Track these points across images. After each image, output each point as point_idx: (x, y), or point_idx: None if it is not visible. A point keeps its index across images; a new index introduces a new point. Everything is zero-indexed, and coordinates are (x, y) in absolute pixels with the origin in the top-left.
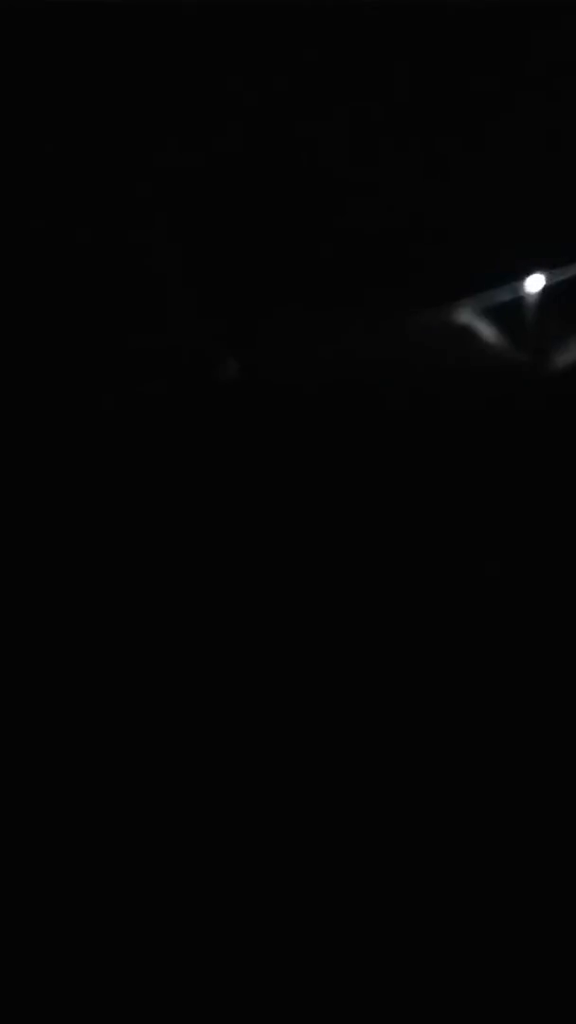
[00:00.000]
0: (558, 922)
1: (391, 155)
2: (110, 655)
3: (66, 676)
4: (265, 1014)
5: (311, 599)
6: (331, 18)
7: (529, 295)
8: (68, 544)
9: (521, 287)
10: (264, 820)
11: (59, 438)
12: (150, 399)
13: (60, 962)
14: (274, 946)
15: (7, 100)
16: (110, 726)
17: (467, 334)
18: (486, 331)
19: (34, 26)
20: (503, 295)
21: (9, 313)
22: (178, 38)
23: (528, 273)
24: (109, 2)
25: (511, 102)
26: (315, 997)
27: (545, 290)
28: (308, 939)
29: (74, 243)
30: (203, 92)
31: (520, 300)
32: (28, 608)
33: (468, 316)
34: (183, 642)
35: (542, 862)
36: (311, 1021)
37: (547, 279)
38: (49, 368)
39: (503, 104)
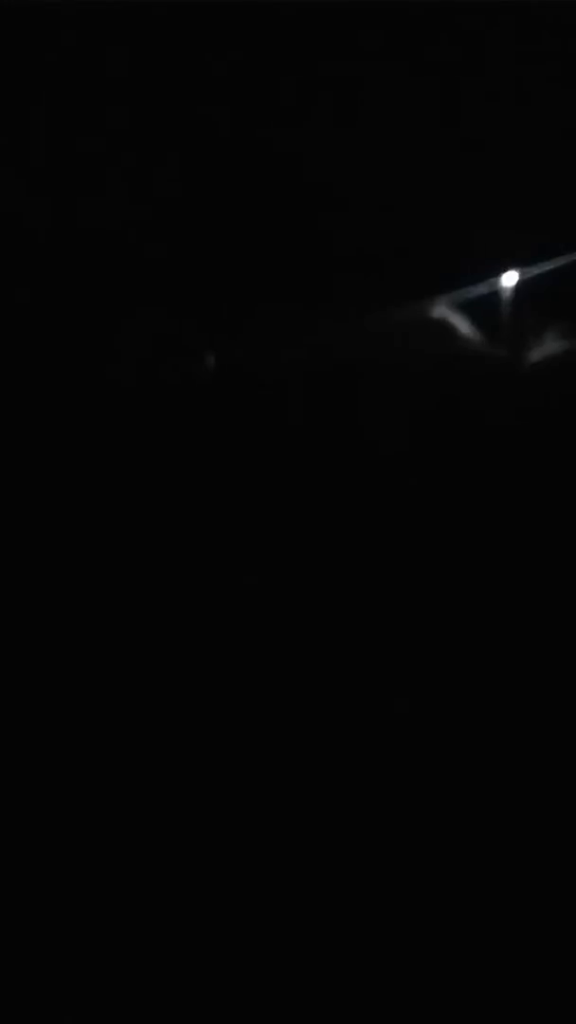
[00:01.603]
0: (558, 922)
1: (368, 153)
2: (104, 653)
3: (62, 671)
4: (265, 1014)
5: (293, 593)
6: (316, 11)
7: (504, 290)
8: (56, 537)
9: (496, 282)
10: (264, 818)
11: (42, 434)
12: (131, 394)
13: (60, 962)
14: (274, 945)
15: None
16: (110, 726)
17: (443, 329)
18: (462, 326)
19: (32, 26)
20: (478, 290)
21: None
22: (167, 36)
23: (503, 268)
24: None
25: (487, 99)
26: (315, 996)
27: (520, 285)
28: (308, 938)
29: (60, 239)
30: (187, 89)
31: (496, 295)
32: (24, 604)
33: (444, 311)
34: (179, 638)
35: (542, 861)
36: (311, 1021)
37: (522, 274)
38: (32, 364)
39: (479, 101)
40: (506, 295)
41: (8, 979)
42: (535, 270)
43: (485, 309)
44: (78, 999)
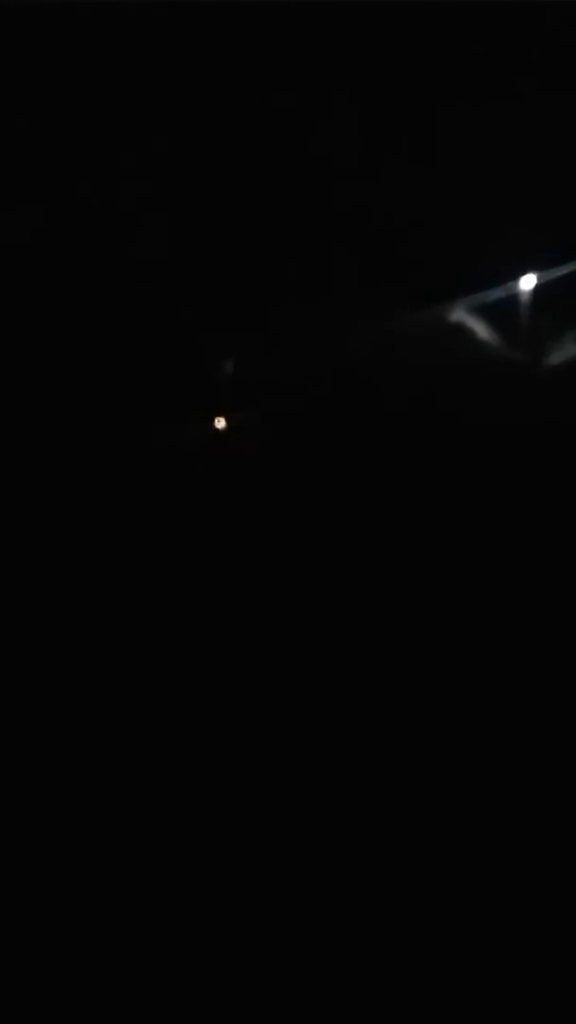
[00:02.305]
0: (558, 921)
1: (387, 156)
2: (111, 658)
3: (66, 674)
4: (265, 1014)
5: (310, 593)
6: (332, 17)
7: (523, 293)
8: (67, 542)
9: (515, 285)
10: (264, 818)
11: (59, 437)
12: (149, 397)
13: (60, 961)
14: (274, 945)
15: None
16: (110, 727)
17: (462, 332)
18: (480, 329)
19: (34, 26)
20: (497, 293)
21: (7, 316)
22: (176, 37)
23: (522, 272)
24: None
25: (509, 103)
26: (315, 996)
27: (538, 288)
28: (308, 938)
29: (71, 242)
30: (204, 94)
31: (514, 299)
32: (29, 608)
33: (463, 314)
34: (188, 641)
35: (542, 861)
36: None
37: (540, 278)
38: (47, 367)
39: (500, 106)
40: (524, 299)
41: (8, 979)
42: (554, 274)
43: (504, 312)
44: (78, 999)
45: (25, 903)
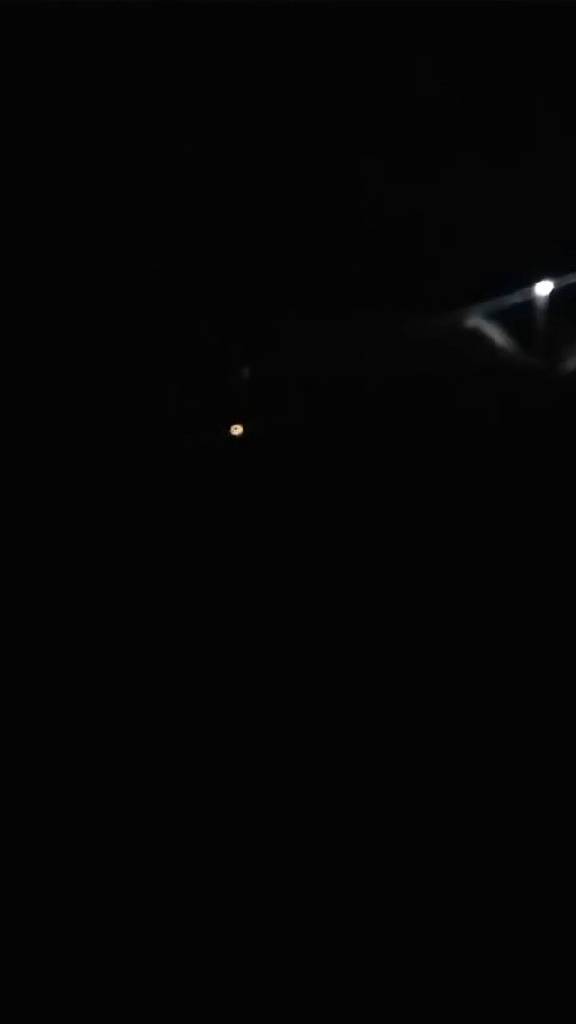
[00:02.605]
0: (558, 922)
1: (401, 163)
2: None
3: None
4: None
5: (327, 598)
6: (339, 19)
7: (539, 299)
8: (83, 548)
9: (530, 292)
10: (264, 819)
11: (70, 443)
12: (163, 405)
13: (60, 961)
14: (274, 945)
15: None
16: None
17: (476, 338)
18: (496, 335)
19: (36, 26)
20: (512, 300)
21: (18, 319)
22: (184, 39)
23: (537, 278)
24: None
25: (524, 109)
26: (315, 996)
27: (554, 294)
28: (308, 938)
29: (82, 248)
30: (212, 97)
31: (529, 304)
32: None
33: (479, 320)
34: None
35: (542, 861)
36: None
37: (556, 283)
38: (61, 372)
39: (515, 111)
40: (540, 304)
41: (8, 979)
42: (570, 279)
43: (520, 318)
44: (78, 999)
45: (25, 903)
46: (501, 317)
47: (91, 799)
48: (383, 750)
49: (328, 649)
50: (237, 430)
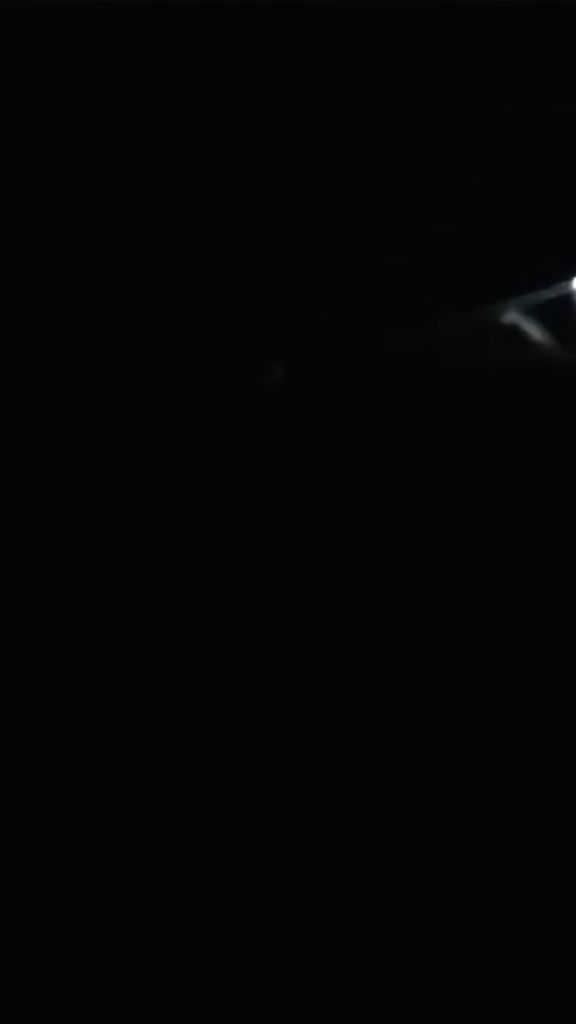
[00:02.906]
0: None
1: (437, 157)
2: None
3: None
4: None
5: (349, 601)
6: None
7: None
8: (92, 544)
9: (568, 286)
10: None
11: (100, 443)
12: (195, 403)
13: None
14: (274, 946)
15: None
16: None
17: (514, 334)
18: (533, 331)
19: (34, 26)
20: (550, 295)
21: (58, 315)
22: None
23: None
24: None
25: (561, 99)
26: (315, 997)
27: None
28: (308, 939)
29: (113, 241)
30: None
31: (568, 299)
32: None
33: (515, 316)
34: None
35: (542, 862)
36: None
37: None
38: (91, 370)
39: (551, 100)
40: None
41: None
42: None
43: (557, 314)
44: (78, 999)
45: (25, 902)
46: (539, 312)
47: (91, 799)
48: (383, 751)
49: (345, 648)
50: (263, 425)
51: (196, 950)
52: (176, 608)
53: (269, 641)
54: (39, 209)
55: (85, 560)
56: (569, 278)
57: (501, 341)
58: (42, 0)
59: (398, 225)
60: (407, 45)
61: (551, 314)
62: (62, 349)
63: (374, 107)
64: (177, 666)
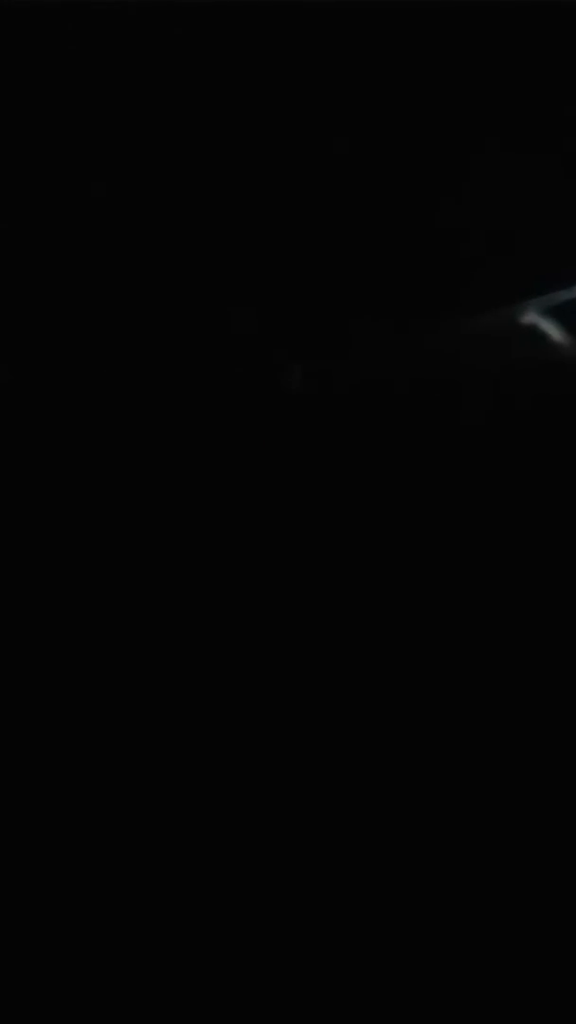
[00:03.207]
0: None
1: (455, 158)
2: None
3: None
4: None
5: (378, 602)
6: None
7: None
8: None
9: None
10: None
11: (119, 448)
12: (213, 408)
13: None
14: (274, 946)
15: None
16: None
17: (533, 335)
18: (553, 331)
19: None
20: (570, 295)
21: (69, 315)
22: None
23: None
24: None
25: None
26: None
27: None
28: (308, 940)
29: (123, 241)
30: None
31: None
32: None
33: (534, 317)
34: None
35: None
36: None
37: None
38: (108, 375)
39: (568, 101)
40: None
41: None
42: None
43: None
44: (78, 999)
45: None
46: (557, 313)
47: (91, 798)
48: (384, 752)
49: (360, 649)
50: (283, 424)
51: (196, 949)
52: (189, 609)
53: (282, 641)
54: (49, 209)
55: (97, 560)
56: None
57: (520, 342)
58: (42, 0)
59: (416, 226)
60: (413, 47)
61: (570, 314)
62: (75, 349)
63: (385, 107)
64: (187, 661)
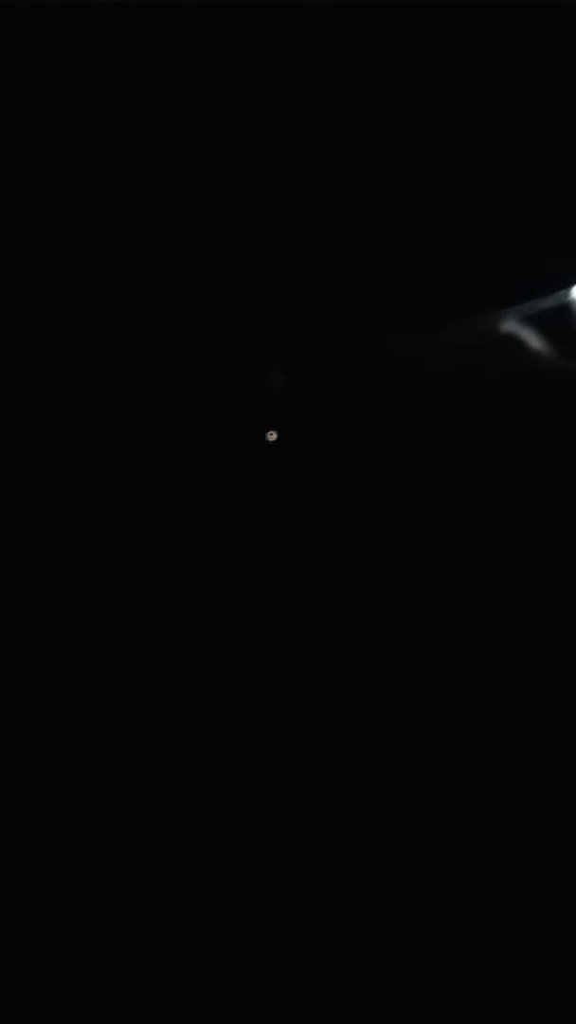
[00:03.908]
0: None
1: (438, 166)
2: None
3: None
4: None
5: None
6: (367, 19)
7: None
8: (102, 555)
9: (568, 295)
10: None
11: (105, 449)
12: (196, 411)
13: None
14: (274, 946)
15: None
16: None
17: (513, 343)
18: (532, 340)
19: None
20: (549, 303)
21: (62, 315)
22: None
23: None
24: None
25: (562, 108)
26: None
27: None
28: (308, 940)
29: (112, 245)
30: (243, 109)
31: (567, 308)
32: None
33: (514, 324)
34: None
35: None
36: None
37: None
38: (96, 378)
39: (553, 112)
40: None
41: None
42: None
43: (556, 322)
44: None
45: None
46: (537, 320)
47: (91, 798)
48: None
49: (351, 654)
50: (272, 436)
51: (195, 948)
52: (181, 614)
53: (274, 646)
54: (41, 213)
55: (90, 565)
56: (569, 286)
57: (500, 349)
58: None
59: (398, 231)
60: (404, 48)
61: (550, 322)
62: (61, 351)
63: (376, 112)
64: (187, 663)
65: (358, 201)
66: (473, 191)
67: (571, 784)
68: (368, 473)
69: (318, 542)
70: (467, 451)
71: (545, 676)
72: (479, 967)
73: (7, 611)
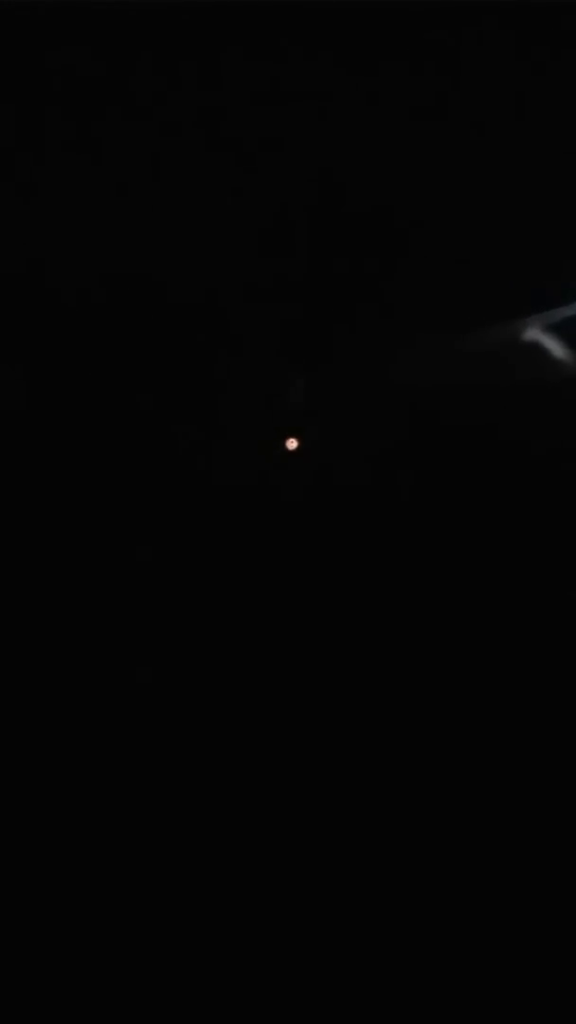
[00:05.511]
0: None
1: (457, 173)
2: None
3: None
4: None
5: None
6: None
7: None
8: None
9: None
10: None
11: (123, 459)
12: (218, 422)
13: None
14: (274, 946)
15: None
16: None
17: (536, 351)
18: (554, 347)
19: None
20: (571, 311)
21: (71, 326)
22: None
23: None
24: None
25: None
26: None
27: None
28: (308, 940)
29: (140, 258)
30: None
31: None
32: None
33: (536, 333)
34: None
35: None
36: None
37: None
38: (114, 386)
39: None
40: None
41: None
42: None
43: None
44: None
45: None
46: (559, 329)
47: (91, 799)
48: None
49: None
50: (292, 444)
51: (195, 947)
52: (196, 616)
53: (287, 652)
54: (39, 213)
55: (108, 569)
56: None
57: (521, 358)
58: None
59: (418, 242)
60: (404, 48)
61: (571, 331)
62: (77, 363)
63: (389, 120)
64: (186, 665)
65: (377, 212)
66: (493, 201)
67: (569, 783)
68: (386, 480)
69: (338, 546)
70: (487, 458)
71: (554, 675)
72: (476, 963)
73: (28, 614)
